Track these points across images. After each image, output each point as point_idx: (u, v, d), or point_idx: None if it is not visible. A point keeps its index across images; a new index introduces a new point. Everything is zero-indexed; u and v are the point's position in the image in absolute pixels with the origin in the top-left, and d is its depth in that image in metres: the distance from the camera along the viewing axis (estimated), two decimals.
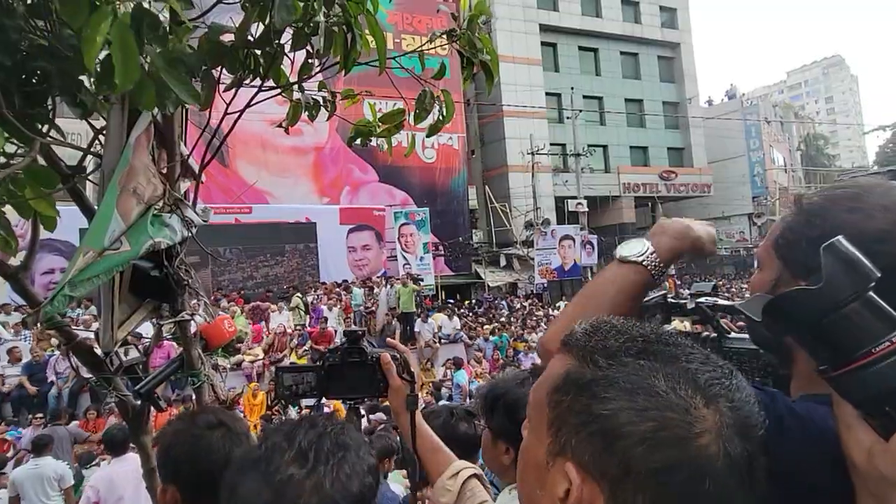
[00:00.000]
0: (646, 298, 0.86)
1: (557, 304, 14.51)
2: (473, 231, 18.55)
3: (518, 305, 14.95)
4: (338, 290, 12.65)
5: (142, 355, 1.52)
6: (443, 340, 11.18)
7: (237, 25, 1.19)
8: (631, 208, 22.53)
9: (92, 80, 1.00)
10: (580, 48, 22.53)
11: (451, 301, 14.26)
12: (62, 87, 1.02)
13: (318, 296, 11.90)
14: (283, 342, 10.10)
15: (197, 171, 1.40)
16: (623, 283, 0.77)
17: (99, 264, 1.06)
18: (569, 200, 17.70)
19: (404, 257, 15.19)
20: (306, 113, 1.43)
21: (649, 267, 0.77)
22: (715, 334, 0.88)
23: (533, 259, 16.77)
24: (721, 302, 0.88)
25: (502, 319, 12.88)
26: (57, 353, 8.87)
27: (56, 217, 1.26)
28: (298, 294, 11.58)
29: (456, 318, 11.66)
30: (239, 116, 1.32)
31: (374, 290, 12.30)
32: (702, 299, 0.88)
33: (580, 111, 18.68)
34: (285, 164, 15.75)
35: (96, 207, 1.09)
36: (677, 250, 0.80)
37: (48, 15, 1.02)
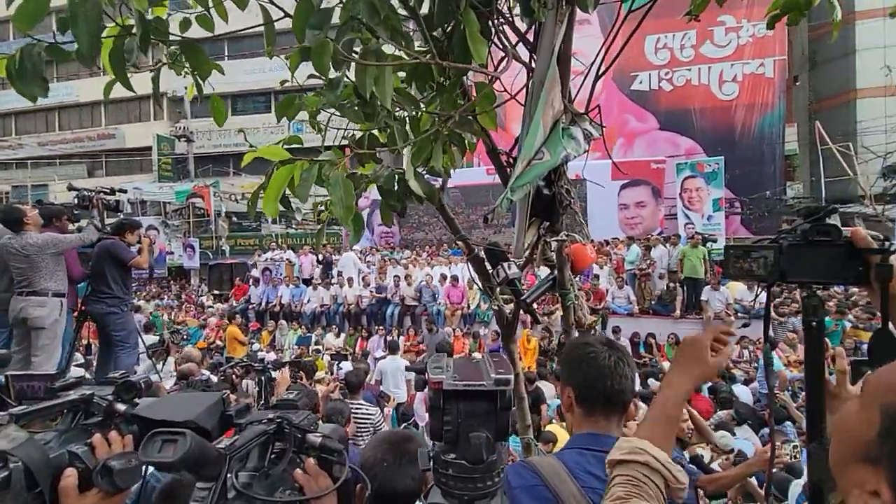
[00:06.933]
0: None
1: None
2: (788, 184, 14.43)
3: None
4: (606, 248, 12.19)
5: (520, 270, 1.66)
6: (739, 314, 9.40)
7: None
8: None
9: None
10: None
11: None
12: None
13: None
14: (554, 298, 10.52)
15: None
16: None
17: (529, 172, 1.14)
18: None
19: (686, 215, 13.30)
20: None
21: None
22: None
23: (893, 221, 11.88)
24: None
25: (833, 300, 9.71)
26: (390, 281, 11.87)
27: (495, 128, 1.45)
28: None
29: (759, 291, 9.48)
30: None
31: (651, 251, 11.21)
32: None
33: None
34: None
35: (530, 115, 1.16)
36: None
37: None
